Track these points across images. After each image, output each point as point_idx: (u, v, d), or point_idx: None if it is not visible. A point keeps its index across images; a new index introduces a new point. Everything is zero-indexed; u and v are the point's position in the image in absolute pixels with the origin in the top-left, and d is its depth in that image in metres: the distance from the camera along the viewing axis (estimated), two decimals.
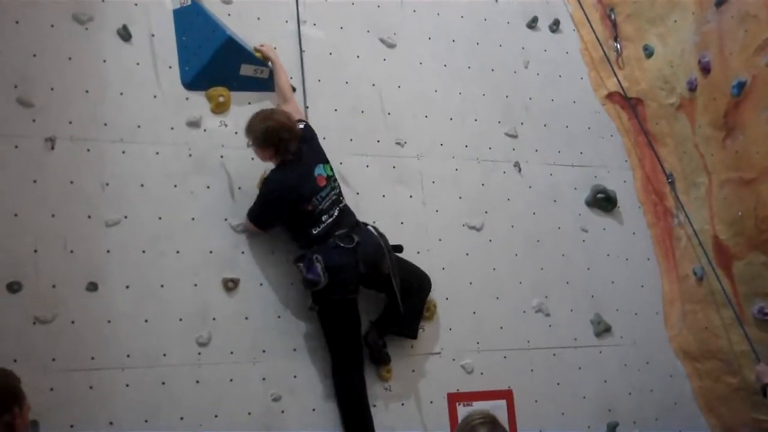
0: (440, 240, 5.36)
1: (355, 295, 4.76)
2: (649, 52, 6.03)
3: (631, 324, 5.75)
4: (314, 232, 4.68)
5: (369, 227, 4.85)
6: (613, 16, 6.17)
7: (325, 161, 4.86)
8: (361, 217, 5.04)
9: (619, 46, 6.15)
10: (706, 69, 5.57)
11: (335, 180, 4.86)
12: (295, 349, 4.83)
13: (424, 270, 5.09)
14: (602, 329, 5.64)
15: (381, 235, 4.84)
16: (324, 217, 4.70)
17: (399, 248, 4.97)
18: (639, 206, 6.02)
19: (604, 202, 5.88)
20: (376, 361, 4.94)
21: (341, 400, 4.78)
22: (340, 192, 4.87)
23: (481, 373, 5.26)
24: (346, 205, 4.85)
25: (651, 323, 5.82)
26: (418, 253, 5.24)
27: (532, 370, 5.39)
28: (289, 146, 4.71)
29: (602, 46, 6.07)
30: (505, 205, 5.63)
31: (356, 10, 5.57)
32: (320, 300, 4.68)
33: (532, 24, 6.10)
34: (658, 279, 5.93)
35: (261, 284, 4.83)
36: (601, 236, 5.86)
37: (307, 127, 4.93)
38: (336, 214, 4.73)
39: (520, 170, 5.74)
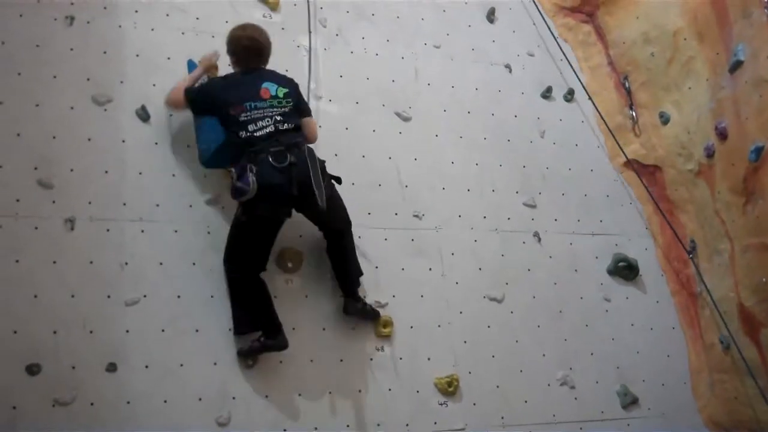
0: (461, 313, 5.31)
1: (285, 218, 4.69)
2: (664, 119, 6.04)
3: (659, 395, 5.63)
4: (240, 135, 4.57)
5: (307, 150, 4.65)
6: (627, 84, 6.21)
7: (285, 86, 4.78)
8: (380, 291, 5.09)
9: (634, 114, 6.17)
10: (722, 135, 5.56)
11: (286, 105, 4.70)
12: (316, 428, 4.74)
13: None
14: (629, 401, 5.52)
15: (318, 159, 4.69)
16: (250, 127, 4.57)
17: (338, 180, 4.87)
18: (662, 274, 5.95)
19: (626, 270, 5.82)
20: (370, 319, 4.99)
21: (233, 286, 4.71)
22: (288, 116, 4.68)
23: None
24: (290, 130, 4.66)
25: (679, 394, 5.69)
26: (439, 326, 5.20)
27: None
28: (247, 61, 4.81)
29: (618, 114, 6.08)
30: (526, 276, 5.58)
31: (371, 85, 5.63)
32: (248, 214, 4.56)
33: (547, 94, 6.14)
34: (684, 348, 5.81)
35: (281, 362, 4.77)
36: (625, 305, 5.77)
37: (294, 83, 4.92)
38: (270, 129, 4.58)
39: (539, 240, 5.71)
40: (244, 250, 4.68)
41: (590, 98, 6.15)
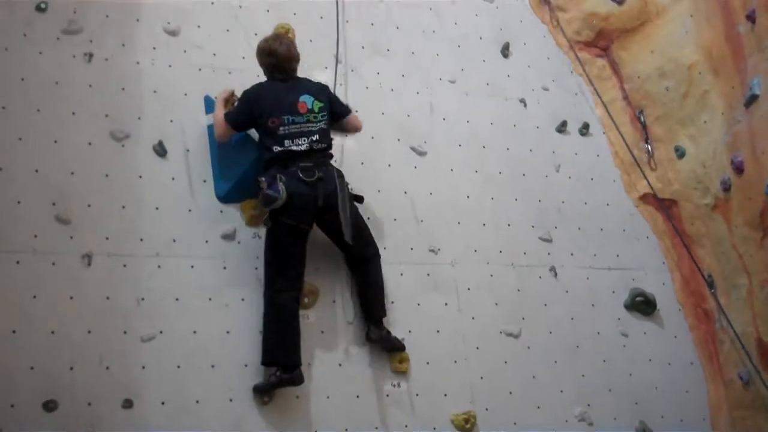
0: (477, 348, 5.27)
1: (308, 228, 4.75)
2: (680, 153, 6.03)
3: (678, 431, 5.56)
4: (274, 149, 4.70)
5: (334, 169, 4.83)
6: (642, 118, 6.20)
7: (321, 99, 4.90)
8: (396, 326, 5.06)
9: (650, 148, 6.16)
10: (739, 169, 5.55)
11: (321, 119, 4.84)
12: None
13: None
14: None
15: (342, 179, 4.82)
16: (287, 142, 4.70)
17: (359, 198, 4.98)
18: (679, 308, 5.89)
19: (643, 305, 5.77)
20: (391, 350, 4.96)
21: (268, 312, 4.69)
22: (323, 134, 4.83)
23: None
24: (324, 150, 4.83)
25: (698, 430, 5.61)
26: (455, 362, 5.16)
27: None
28: (274, 73, 4.91)
29: (633, 148, 6.08)
30: (543, 311, 5.55)
31: (386, 120, 5.65)
32: (275, 222, 4.67)
33: (562, 128, 6.14)
34: (703, 384, 5.75)
35: (297, 397, 4.74)
36: (642, 341, 5.71)
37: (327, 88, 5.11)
38: (305, 147, 4.72)
39: (556, 275, 5.68)
40: (279, 263, 4.70)
41: (615, 125, 6.13)
